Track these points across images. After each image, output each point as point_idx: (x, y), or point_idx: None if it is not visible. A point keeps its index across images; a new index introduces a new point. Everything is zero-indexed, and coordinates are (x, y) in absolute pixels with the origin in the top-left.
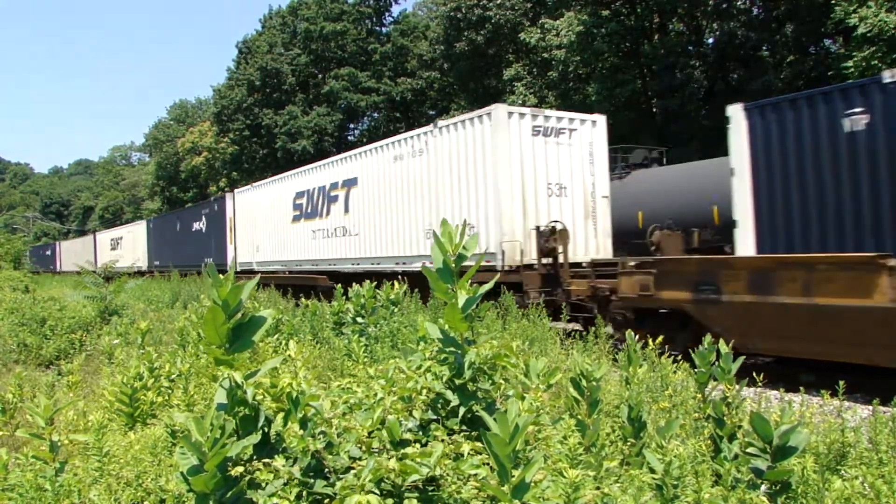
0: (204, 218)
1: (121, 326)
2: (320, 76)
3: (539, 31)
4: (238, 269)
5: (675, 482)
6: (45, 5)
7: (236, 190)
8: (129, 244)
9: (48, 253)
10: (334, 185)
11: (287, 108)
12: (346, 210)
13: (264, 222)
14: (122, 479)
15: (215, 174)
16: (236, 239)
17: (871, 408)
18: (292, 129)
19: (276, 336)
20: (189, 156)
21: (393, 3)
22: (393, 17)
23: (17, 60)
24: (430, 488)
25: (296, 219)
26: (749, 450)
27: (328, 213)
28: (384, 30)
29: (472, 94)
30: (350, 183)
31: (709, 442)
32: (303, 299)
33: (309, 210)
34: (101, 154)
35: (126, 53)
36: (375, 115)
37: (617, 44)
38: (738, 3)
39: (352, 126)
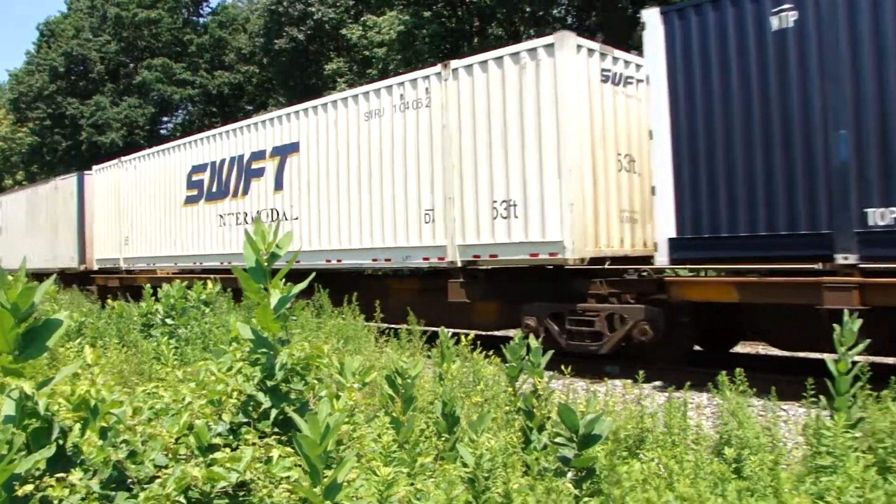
0: None
1: None
2: (132, 66)
3: (361, 28)
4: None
5: (487, 474)
6: None
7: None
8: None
9: None
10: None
11: (94, 98)
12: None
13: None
14: None
15: (11, 167)
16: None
17: (667, 394)
18: (100, 121)
19: (78, 340)
20: None
21: None
22: (211, 8)
23: None
24: (241, 493)
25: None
26: (557, 439)
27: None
28: (201, 20)
29: (291, 91)
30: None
31: (519, 434)
32: (109, 300)
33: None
34: None
35: None
36: (190, 108)
37: (437, 45)
38: (554, 11)
39: (165, 119)
